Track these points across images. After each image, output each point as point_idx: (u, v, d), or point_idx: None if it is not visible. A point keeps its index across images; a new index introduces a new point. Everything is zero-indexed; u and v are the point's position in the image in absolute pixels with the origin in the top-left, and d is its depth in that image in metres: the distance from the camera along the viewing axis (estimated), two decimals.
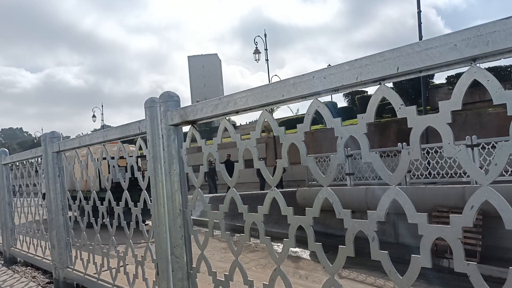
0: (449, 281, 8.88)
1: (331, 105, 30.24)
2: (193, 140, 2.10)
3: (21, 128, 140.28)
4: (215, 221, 1.93)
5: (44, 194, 4.20)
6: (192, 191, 2.10)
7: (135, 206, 2.55)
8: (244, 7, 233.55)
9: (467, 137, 10.29)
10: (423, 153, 11.62)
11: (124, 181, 2.77)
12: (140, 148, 2.41)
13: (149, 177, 2.26)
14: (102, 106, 39.83)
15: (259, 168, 1.77)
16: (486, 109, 17.68)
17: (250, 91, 1.67)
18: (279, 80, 1.60)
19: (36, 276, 3.86)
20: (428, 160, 11.19)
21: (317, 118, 27.19)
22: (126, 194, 2.75)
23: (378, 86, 1.29)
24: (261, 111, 1.70)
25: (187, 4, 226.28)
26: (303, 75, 1.49)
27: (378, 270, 8.93)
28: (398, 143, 11.84)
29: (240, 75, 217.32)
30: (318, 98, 1.48)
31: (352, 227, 1.37)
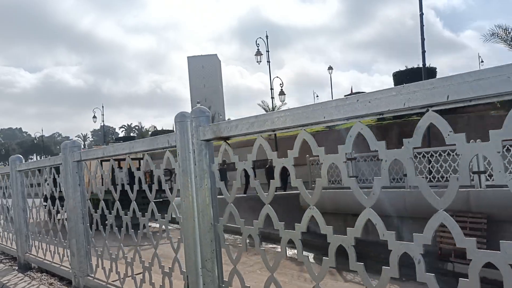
0: (453, 285, 8.92)
1: None
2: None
3: (20, 128, 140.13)
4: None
5: (46, 196, 4.23)
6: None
7: (143, 216, 2.65)
8: (242, 7, 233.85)
9: (471, 140, 10.31)
10: (427, 157, 11.67)
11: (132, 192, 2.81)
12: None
13: (178, 189, 2.29)
14: (102, 107, 39.73)
15: (297, 184, 1.79)
16: (488, 111, 17.76)
17: (289, 111, 1.71)
18: (319, 102, 1.64)
19: (53, 283, 3.88)
20: (433, 164, 11.24)
21: None
22: (134, 205, 2.79)
23: (426, 112, 1.33)
24: (299, 130, 1.73)
25: (185, 4, 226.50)
26: (346, 98, 1.53)
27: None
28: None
29: (239, 75, 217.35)
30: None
31: (397, 249, 1.40)
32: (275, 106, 30.06)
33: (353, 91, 46.14)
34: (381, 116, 1.48)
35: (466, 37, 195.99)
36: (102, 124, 46.79)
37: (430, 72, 21.67)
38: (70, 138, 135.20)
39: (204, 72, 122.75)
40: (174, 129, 2.31)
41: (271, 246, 12.56)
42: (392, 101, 1.37)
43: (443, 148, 11.30)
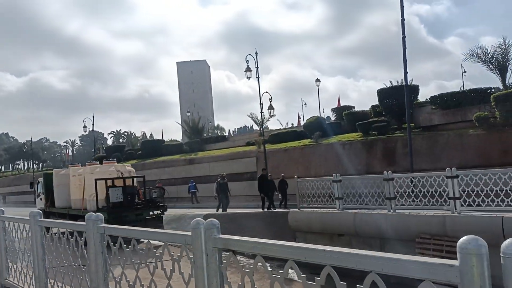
0: None
1: (324, 120, 31.11)
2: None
3: (7, 133, 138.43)
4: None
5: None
6: None
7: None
8: (229, 12, 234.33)
9: (447, 168, 11.11)
10: (408, 182, 12.45)
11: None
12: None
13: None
14: (93, 116, 39.99)
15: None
16: (467, 130, 18.66)
17: (286, 247, 2.34)
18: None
19: None
20: (412, 188, 12.01)
21: (307, 133, 28.06)
22: None
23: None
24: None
25: (173, 10, 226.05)
26: None
27: None
28: (384, 172, 12.66)
29: (227, 80, 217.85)
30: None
31: None
32: (264, 118, 30.69)
33: (340, 99, 47.13)
34: None
35: (449, 43, 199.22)
36: (91, 130, 46.85)
37: (413, 89, 22.56)
38: (58, 143, 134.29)
39: (193, 77, 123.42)
40: (191, 233, 2.95)
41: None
42: None
43: (424, 174, 12.17)
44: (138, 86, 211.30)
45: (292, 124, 55.19)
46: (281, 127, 41.71)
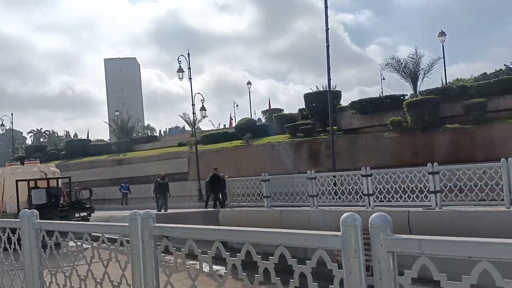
0: None
1: (254, 121, 32.00)
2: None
3: None
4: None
5: None
6: None
7: None
8: (159, 10, 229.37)
9: (362, 168, 12.26)
10: (328, 180, 13.49)
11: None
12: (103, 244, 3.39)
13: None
14: (12, 114, 37.44)
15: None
16: (383, 133, 20.45)
17: (212, 230, 2.79)
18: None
19: None
20: (332, 187, 13.07)
21: (238, 135, 28.72)
22: None
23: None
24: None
25: (99, 4, 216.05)
26: None
27: None
28: (308, 171, 13.61)
29: (158, 79, 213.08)
30: None
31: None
32: (196, 119, 30.86)
33: (270, 102, 48.62)
34: None
35: (371, 51, 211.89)
36: (8, 128, 43.80)
37: (336, 95, 24.14)
38: None
39: (122, 75, 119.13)
40: (129, 223, 3.29)
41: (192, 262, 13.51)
42: None
43: (346, 172, 13.26)
44: (61, 83, 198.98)
45: (224, 125, 55.72)
46: (213, 128, 42.06)
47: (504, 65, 54.17)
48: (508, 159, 10.04)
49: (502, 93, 18.96)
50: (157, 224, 3.18)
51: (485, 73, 51.50)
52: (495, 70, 54.24)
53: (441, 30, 31.60)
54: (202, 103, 26.00)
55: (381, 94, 32.59)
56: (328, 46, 20.15)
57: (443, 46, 31.03)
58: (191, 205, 22.60)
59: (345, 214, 2.24)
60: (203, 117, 27.36)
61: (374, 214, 2.18)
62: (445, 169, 11.07)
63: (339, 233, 2.22)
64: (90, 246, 3.74)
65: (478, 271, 1.66)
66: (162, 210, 20.10)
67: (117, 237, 3.46)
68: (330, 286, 2.22)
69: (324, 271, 2.37)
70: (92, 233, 3.74)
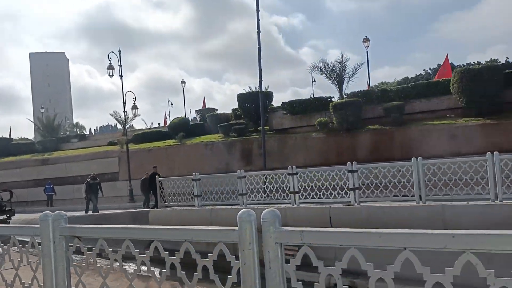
0: None
1: (188, 121, 31.77)
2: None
3: None
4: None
5: None
6: None
7: None
8: (89, 4, 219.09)
9: (289, 166, 12.79)
10: (257, 179, 13.87)
11: None
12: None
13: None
14: None
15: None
16: (311, 133, 21.35)
17: (121, 229, 2.91)
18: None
19: None
20: (261, 185, 13.46)
21: (172, 134, 28.38)
22: None
23: None
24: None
25: None
26: None
27: None
28: (238, 170, 13.90)
29: (88, 75, 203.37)
30: None
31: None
32: (128, 118, 30.05)
33: (205, 101, 48.46)
34: None
35: (303, 53, 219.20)
36: None
37: (268, 96, 24.76)
38: None
39: (49, 70, 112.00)
40: (39, 224, 3.29)
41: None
42: None
43: (277, 171, 13.72)
44: None
45: (159, 124, 54.75)
46: (147, 127, 41.11)
47: (424, 70, 58.73)
48: (418, 158, 11.02)
49: (418, 97, 20.61)
50: (68, 225, 3.23)
51: (407, 77, 55.53)
52: (416, 74, 58.53)
53: (366, 36, 33.42)
54: (134, 101, 25.42)
55: (312, 96, 33.87)
56: (259, 48, 20.70)
57: (367, 51, 32.91)
58: (121, 206, 22.08)
59: (242, 210, 2.46)
60: (135, 115, 26.73)
61: (265, 210, 2.42)
62: (363, 167, 11.88)
63: (237, 228, 2.45)
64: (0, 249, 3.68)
65: (348, 256, 1.96)
66: (90, 212, 19.53)
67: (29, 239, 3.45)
68: (228, 276, 2.43)
69: (228, 264, 2.54)
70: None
